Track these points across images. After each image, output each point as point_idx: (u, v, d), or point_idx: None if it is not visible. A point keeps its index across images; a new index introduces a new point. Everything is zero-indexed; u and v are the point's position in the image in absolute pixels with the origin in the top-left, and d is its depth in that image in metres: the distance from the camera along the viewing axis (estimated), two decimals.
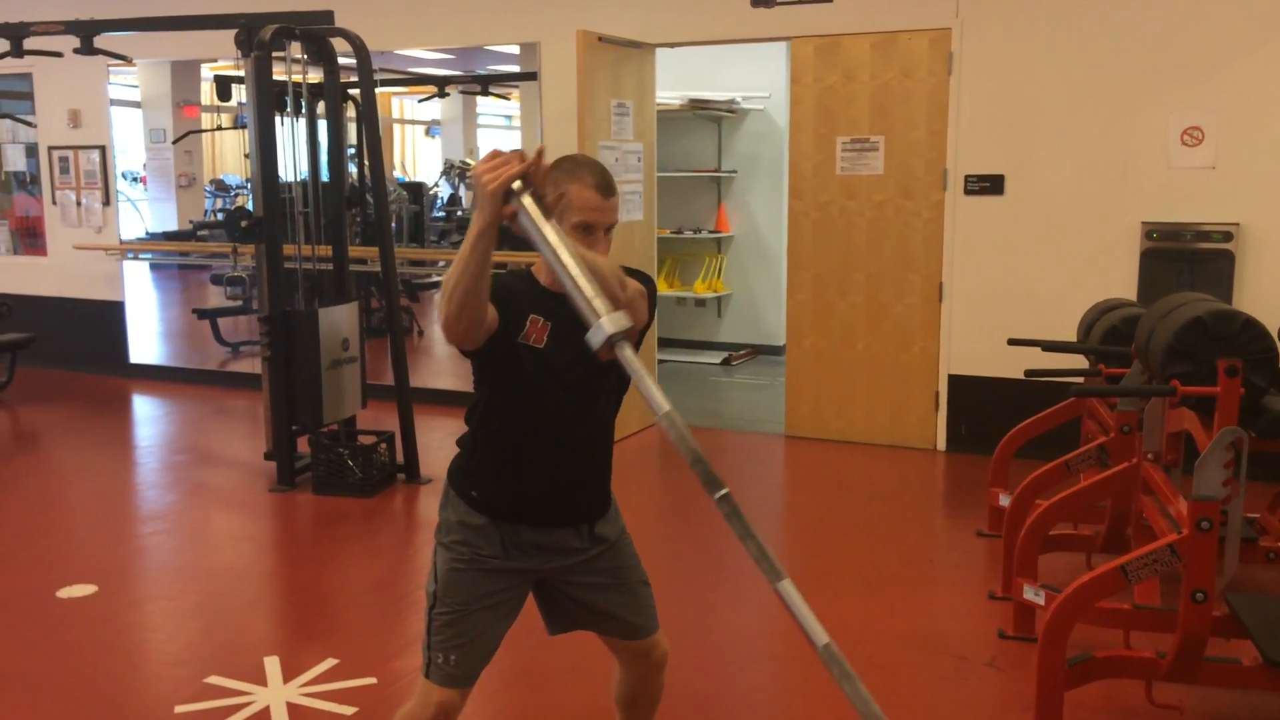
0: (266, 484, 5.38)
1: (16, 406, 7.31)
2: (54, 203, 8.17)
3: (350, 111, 6.60)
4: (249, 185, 6.78)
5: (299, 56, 5.41)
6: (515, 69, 7.46)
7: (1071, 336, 4.73)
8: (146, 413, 7.35)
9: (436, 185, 9.51)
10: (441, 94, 8.76)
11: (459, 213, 9.37)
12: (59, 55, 6.64)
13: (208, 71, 8.51)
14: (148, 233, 8.93)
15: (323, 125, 5.71)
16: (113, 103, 7.99)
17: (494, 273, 2.04)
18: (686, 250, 8.89)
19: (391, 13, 6.85)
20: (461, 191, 9.51)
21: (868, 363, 6.07)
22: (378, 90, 5.67)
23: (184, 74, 8.55)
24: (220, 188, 9.68)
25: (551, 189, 2.17)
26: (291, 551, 4.73)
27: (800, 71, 6.03)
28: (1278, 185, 5.20)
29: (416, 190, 8.90)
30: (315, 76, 5.56)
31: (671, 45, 6.41)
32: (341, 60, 5.48)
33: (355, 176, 7.52)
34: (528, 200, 1.80)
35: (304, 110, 5.79)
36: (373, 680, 3.35)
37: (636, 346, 2.27)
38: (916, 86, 5.78)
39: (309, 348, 5.22)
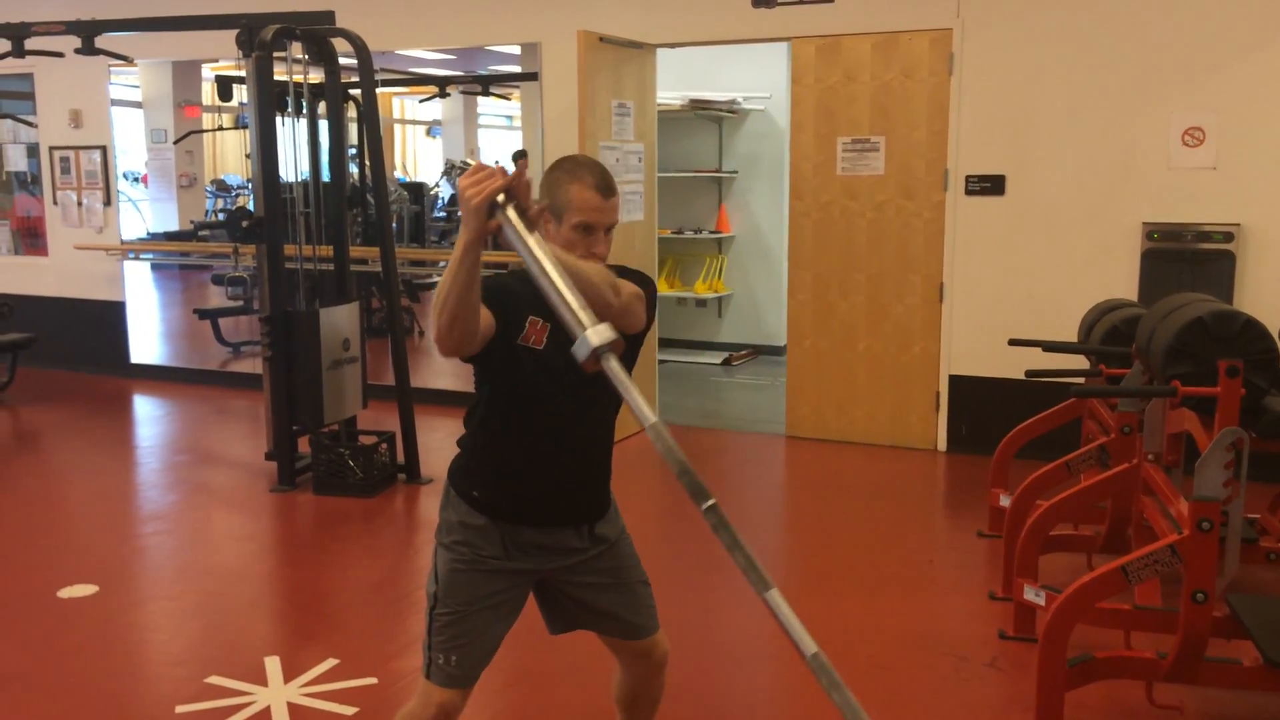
0: (267, 484, 5.39)
1: (17, 406, 7.32)
2: (55, 203, 8.17)
3: (351, 112, 6.61)
4: (250, 185, 6.77)
5: (300, 57, 5.41)
6: (516, 69, 7.46)
7: (1072, 337, 4.73)
8: (147, 413, 7.35)
9: (437, 185, 9.50)
10: (442, 94, 8.75)
11: (459, 213, 9.34)
12: (60, 55, 6.64)
13: (209, 72, 8.51)
14: (149, 233, 8.93)
15: (324, 125, 5.72)
16: (114, 103, 7.99)
17: (494, 273, 2.04)
18: (687, 250, 8.89)
19: (392, 13, 6.85)
20: None
21: (868, 363, 6.07)
22: (379, 90, 5.68)
23: (185, 74, 8.55)
24: (221, 188, 9.67)
25: (551, 190, 2.19)
26: (292, 552, 4.73)
27: (801, 72, 6.03)
28: (1278, 186, 5.21)
29: (417, 190, 8.90)
30: (316, 77, 5.56)
31: (672, 45, 6.41)
32: (342, 60, 5.49)
33: (356, 177, 7.52)
34: (512, 213, 1.81)
35: (305, 110, 5.80)
36: (373, 680, 3.35)
37: (638, 348, 2.30)
38: (917, 87, 5.78)
39: (310, 348, 5.22)
